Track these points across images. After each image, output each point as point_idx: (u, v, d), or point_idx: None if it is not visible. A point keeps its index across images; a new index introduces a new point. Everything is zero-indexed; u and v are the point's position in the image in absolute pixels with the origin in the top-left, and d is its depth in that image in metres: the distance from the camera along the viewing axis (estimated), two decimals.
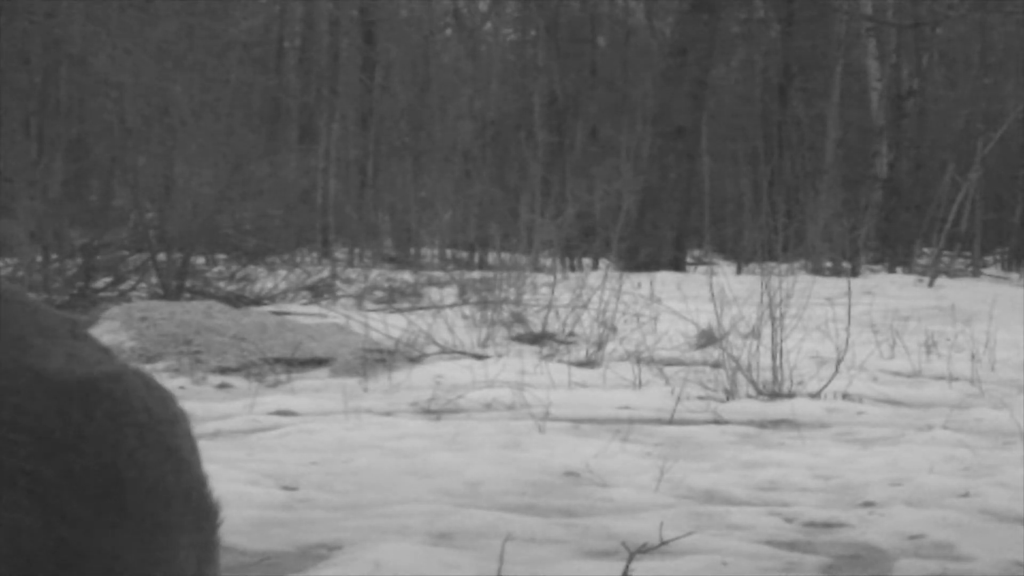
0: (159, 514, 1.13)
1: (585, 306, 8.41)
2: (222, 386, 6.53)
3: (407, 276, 11.62)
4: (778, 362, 6.29)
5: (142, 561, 1.11)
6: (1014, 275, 18.66)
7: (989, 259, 20.80)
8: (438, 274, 11.96)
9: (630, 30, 26.75)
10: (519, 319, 8.59)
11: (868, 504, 4.04)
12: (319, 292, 10.69)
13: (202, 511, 1.19)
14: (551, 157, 21.27)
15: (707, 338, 7.72)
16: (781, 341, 6.38)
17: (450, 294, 10.24)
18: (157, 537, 1.13)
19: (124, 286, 9.98)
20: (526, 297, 9.29)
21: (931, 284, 14.42)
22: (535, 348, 7.93)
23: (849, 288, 7.57)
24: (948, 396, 6.36)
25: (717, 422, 5.59)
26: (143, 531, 1.12)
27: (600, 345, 7.55)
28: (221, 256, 11.09)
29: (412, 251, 16.25)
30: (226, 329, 7.12)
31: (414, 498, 3.95)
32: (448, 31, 26.45)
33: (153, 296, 9.52)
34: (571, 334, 8.23)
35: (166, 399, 1.20)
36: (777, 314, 6.60)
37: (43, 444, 1.10)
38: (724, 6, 18.74)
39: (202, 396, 6.21)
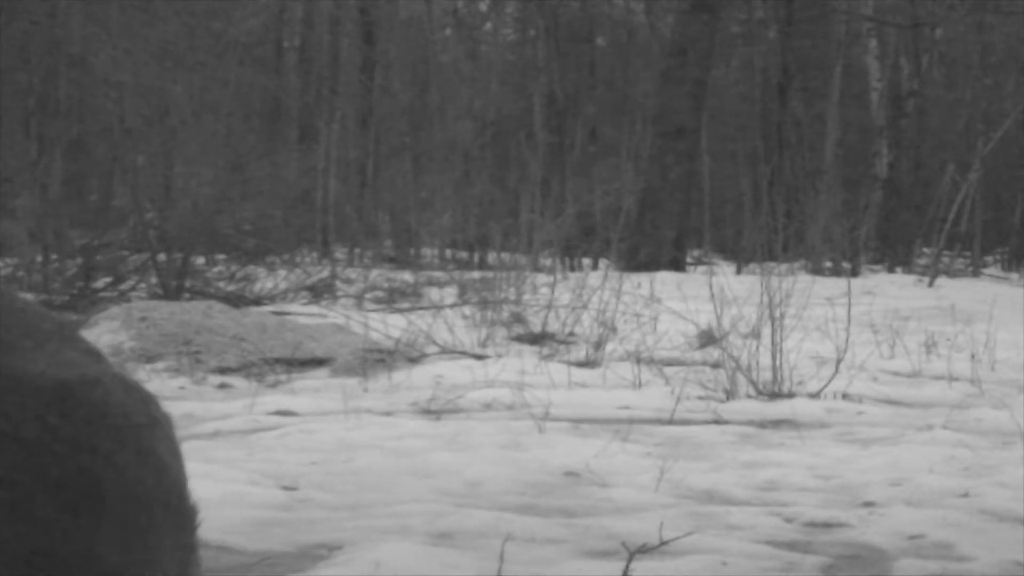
0: (139, 517, 1.13)
1: (585, 306, 8.41)
2: (222, 386, 6.53)
3: (407, 276, 11.62)
4: (778, 362, 6.29)
5: (123, 564, 1.11)
6: (1014, 275, 18.66)
7: (989, 259, 20.80)
8: (438, 274, 11.96)
9: (630, 30, 26.76)
10: (519, 319, 8.59)
11: (868, 504, 4.04)
12: (319, 292, 10.69)
13: (182, 514, 1.18)
14: (551, 157, 21.28)
15: (707, 338, 7.72)
16: (781, 341, 6.38)
17: (450, 294, 10.24)
18: (138, 540, 1.12)
19: (124, 286, 9.98)
20: (526, 297, 9.29)
21: (931, 284, 14.43)
22: (535, 348, 7.93)
23: (849, 288, 7.57)
24: (948, 396, 6.36)
25: (717, 422, 5.59)
26: (123, 534, 1.12)
27: (600, 345, 7.55)
28: (221, 256, 11.10)
29: (412, 251, 16.25)
30: (226, 329, 7.12)
31: (414, 498, 3.95)
32: (448, 31, 26.46)
33: (153, 296, 9.52)
34: (571, 334, 8.23)
35: (147, 402, 1.20)
36: (777, 314, 6.60)
37: (18, 449, 1.10)
38: (724, 6, 18.75)
39: (202, 396, 6.21)
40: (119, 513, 1.11)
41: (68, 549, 1.09)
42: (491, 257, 13.24)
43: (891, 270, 17.45)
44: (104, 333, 7.03)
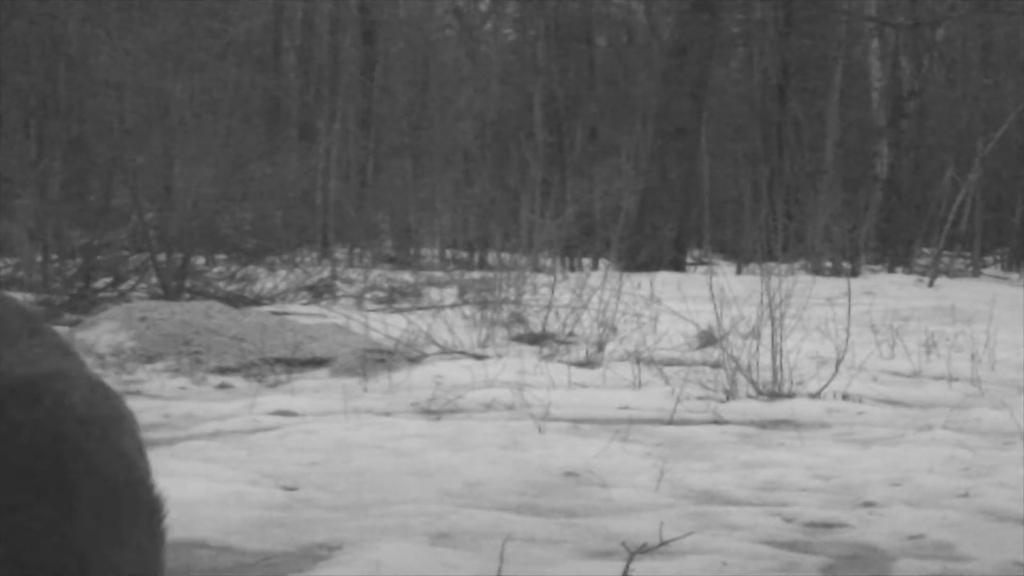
0: (108, 501, 1.16)
1: (585, 306, 8.41)
2: (222, 386, 6.53)
3: (407, 276, 11.62)
4: (778, 362, 6.29)
5: (92, 545, 1.14)
6: (1014, 275, 18.65)
7: (989, 259, 20.79)
8: (438, 274, 11.96)
9: (630, 30, 26.77)
10: (519, 319, 8.59)
11: (868, 504, 4.04)
12: (319, 292, 10.69)
13: (150, 503, 1.23)
14: (551, 157, 21.28)
15: (707, 338, 7.72)
16: (781, 341, 6.38)
17: (450, 294, 10.24)
18: (108, 523, 1.16)
19: (124, 286, 9.98)
20: (526, 297, 9.29)
21: (931, 284, 14.43)
22: (535, 348, 7.93)
23: (849, 288, 7.57)
24: (948, 396, 6.36)
25: (717, 422, 5.59)
26: (93, 517, 1.15)
27: (600, 345, 7.55)
28: (221, 256, 11.10)
29: (412, 251, 16.25)
30: (226, 329, 7.11)
31: (414, 498, 3.95)
32: (448, 31, 26.47)
33: (153, 296, 9.52)
34: (571, 334, 8.23)
35: (111, 398, 1.25)
36: (777, 314, 6.59)
37: None
38: (724, 6, 18.75)
39: (202, 396, 6.21)
40: (88, 497, 1.15)
41: (35, 532, 1.12)
42: (491, 257, 13.24)
43: (891, 270, 17.45)
44: (104, 333, 7.03)
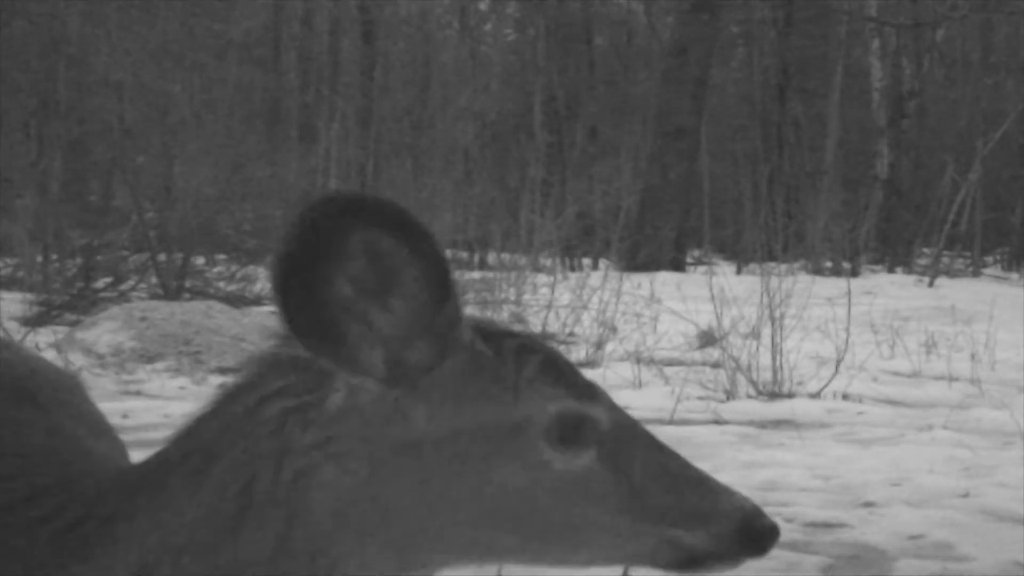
0: (72, 412, 1.34)
1: (585, 306, 8.42)
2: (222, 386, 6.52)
3: None
4: (778, 362, 6.29)
5: (75, 438, 1.32)
6: (1014, 275, 18.66)
7: (989, 259, 20.79)
8: None
9: (630, 30, 26.77)
10: (519, 319, 8.59)
11: (868, 504, 4.04)
12: None
13: (114, 432, 1.40)
14: (551, 157, 21.28)
15: (707, 338, 7.72)
16: (781, 341, 6.38)
17: None
18: (64, 424, 1.32)
19: (124, 286, 9.98)
20: (526, 297, 9.29)
21: (931, 284, 14.43)
22: None
23: (849, 288, 7.58)
24: (948, 396, 6.36)
25: (717, 422, 5.59)
26: (63, 419, 1.33)
27: (600, 345, 7.55)
28: (221, 256, 11.09)
29: None
30: (226, 329, 7.11)
31: None
32: (448, 31, 26.47)
33: (153, 296, 9.52)
34: (571, 334, 8.23)
35: (56, 367, 1.45)
36: (777, 314, 6.59)
37: None
38: (724, 6, 18.75)
39: (202, 396, 6.18)
40: (47, 403, 1.33)
41: (24, 426, 1.30)
42: (491, 257, 13.24)
43: (891, 270, 17.46)
44: (104, 333, 7.03)
